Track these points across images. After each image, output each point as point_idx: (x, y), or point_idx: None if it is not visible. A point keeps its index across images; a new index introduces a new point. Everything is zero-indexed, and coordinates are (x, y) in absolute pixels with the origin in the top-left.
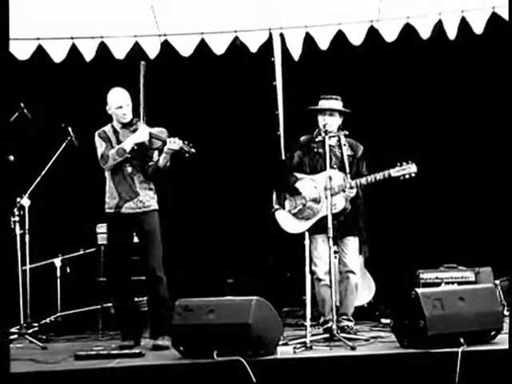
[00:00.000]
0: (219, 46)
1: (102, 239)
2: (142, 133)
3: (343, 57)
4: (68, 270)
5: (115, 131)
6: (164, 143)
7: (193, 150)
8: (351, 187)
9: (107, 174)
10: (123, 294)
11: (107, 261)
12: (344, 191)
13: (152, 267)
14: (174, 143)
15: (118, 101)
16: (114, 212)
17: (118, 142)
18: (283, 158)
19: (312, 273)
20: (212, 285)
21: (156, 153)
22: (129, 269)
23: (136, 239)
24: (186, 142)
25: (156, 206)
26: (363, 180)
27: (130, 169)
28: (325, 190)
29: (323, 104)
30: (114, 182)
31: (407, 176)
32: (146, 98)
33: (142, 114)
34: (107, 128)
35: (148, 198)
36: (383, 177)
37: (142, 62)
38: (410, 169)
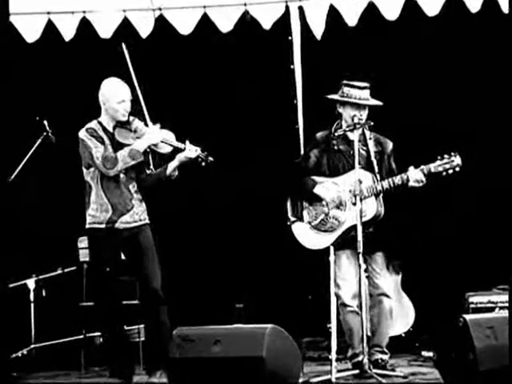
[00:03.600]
0: (225, 22)
1: (84, 256)
2: (156, 133)
3: (375, 34)
4: (44, 292)
5: (105, 130)
6: (175, 150)
7: (210, 159)
8: (417, 181)
9: (93, 182)
10: (114, 322)
11: (95, 282)
12: (376, 195)
13: (154, 289)
14: (192, 151)
15: (121, 94)
16: (106, 227)
17: (113, 143)
18: (298, 159)
19: (336, 297)
20: (217, 310)
21: (150, 157)
22: (120, 292)
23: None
24: (201, 149)
25: (148, 220)
26: (397, 179)
27: (123, 176)
28: (351, 195)
29: (353, 94)
30: (106, 191)
31: (450, 171)
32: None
33: (145, 109)
34: (94, 125)
35: (142, 210)
36: (422, 173)
37: (122, 44)
38: (454, 162)
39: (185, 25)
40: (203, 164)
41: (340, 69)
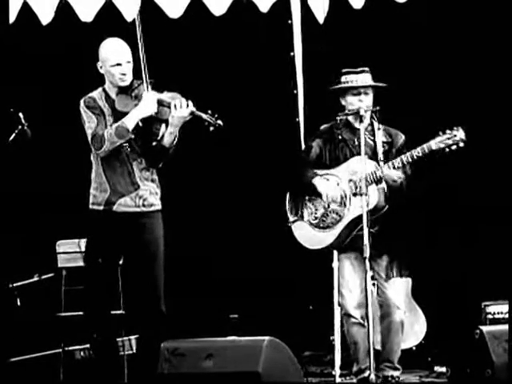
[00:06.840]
0: (218, 5)
1: (63, 261)
2: (149, 103)
3: (383, 17)
4: (18, 302)
5: (108, 98)
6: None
7: (219, 123)
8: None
9: (94, 157)
10: (105, 329)
11: (86, 279)
12: (376, 182)
13: (155, 297)
14: (181, 108)
15: (116, 56)
16: (103, 210)
17: (114, 112)
18: (299, 151)
19: (340, 307)
20: (210, 321)
21: (163, 127)
22: (113, 295)
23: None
24: (209, 112)
25: (160, 206)
26: (397, 162)
27: (127, 149)
28: (350, 184)
29: (353, 80)
30: (105, 168)
31: (454, 147)
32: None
33: (145, 74)
34: (97, 94)
35: (149, 194)
36: (423, 152)
37: (135, 19)
38: (456, 136)
39: (174, 7)
40: (211, 129)
41: (345, 56)
